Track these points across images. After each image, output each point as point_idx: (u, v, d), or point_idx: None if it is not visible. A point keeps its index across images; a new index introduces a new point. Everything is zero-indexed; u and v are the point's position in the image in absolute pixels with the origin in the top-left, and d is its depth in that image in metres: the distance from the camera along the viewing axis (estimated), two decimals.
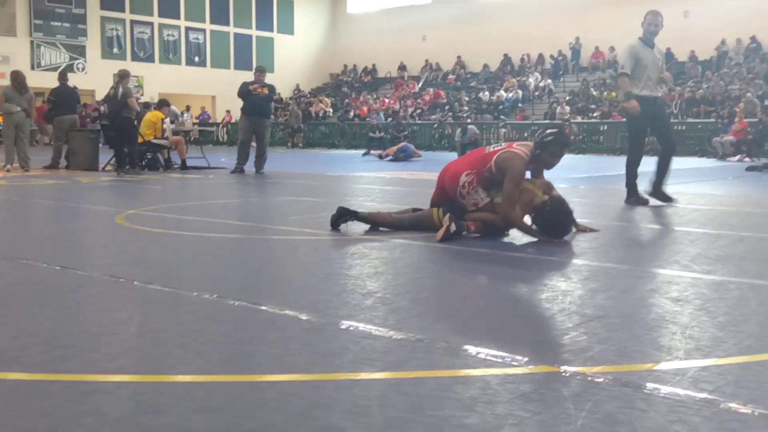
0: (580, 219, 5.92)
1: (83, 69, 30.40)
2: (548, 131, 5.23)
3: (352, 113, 31.64)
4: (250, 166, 12.42)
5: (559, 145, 5.19)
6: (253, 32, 36.27)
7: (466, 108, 28.77)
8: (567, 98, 27.53)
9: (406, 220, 5.39)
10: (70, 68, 27.43)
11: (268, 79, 13.13)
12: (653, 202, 7.41)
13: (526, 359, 2.44)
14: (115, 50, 31.80)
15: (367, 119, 28.82)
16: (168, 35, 33.47)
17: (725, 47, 26.83)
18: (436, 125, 27.01)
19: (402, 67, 35.25)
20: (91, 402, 2.07)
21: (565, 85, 29.59)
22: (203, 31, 34.59)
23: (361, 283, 3.68)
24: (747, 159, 18.05)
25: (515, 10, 31.45)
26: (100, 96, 28.92)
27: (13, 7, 28.93)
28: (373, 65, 36.72)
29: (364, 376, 2.30)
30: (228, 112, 31.38)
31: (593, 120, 25.01)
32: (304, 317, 2.96)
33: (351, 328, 2.81)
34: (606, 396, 2.11)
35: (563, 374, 2.30)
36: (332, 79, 38.02)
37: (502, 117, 26.93)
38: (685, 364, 2.41)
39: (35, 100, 13.09)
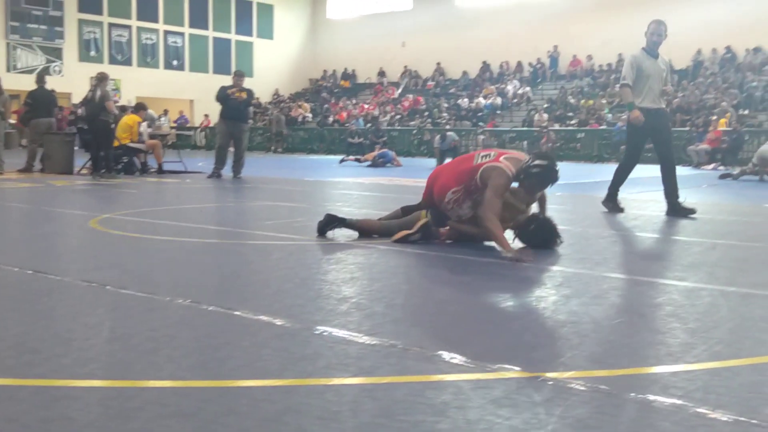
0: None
1: (60, 72, 30.13)
2: (537, 162, 4.83)
3: (331, 119, 31.63)
4: (227, 171, 12.37)
5: (541, 181, 4.90)
6: (233, 36, 36.16)
7: (445, 114, 28.87)
8: (545, 106, 27.73)
9: (394, 225, 5.32)
10: (46, 71, 27.15)
11: (247, 83, 13.09)
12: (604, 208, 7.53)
13: (498, 365, 2.44)
14: (93, 53, 31.56)
15: (347, 125, 28.83)
16: (146, 39, 33.27)
17: (701, 57, 27.17)
18: (415, 131, 27.08)
19: (381, 73, 35.31)
20: (60, 407, 2.04)
21: (543, 93, 29.79)
22: (182, 34, 34.42)
23: (337, 289, 3.68)
24: (721, 167, 18.27)
25: (494, 18, 31.64)
26: (76, 99, 28.70)
27: None
28: (353, 71, 36.75)
29: (336, 381, 2.29)
30: (206, 116, 31.23)
31: (571, 128, 25.20)
32: (278, 322, 2.95)
33: (325, 334, 2.81)
34: (577, 401, 2.12)
35: (535, 380, 2.31)
36: (311, 84, 38.00)
37: (480, 123, 27.05)
38: (656, 369, 2.44)
39: (11, 102, 12.95)
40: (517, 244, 4.87)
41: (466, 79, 32.48)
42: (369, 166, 18.24)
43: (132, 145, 12.90)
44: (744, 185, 12.55)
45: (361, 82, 36.33)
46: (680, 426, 1.97)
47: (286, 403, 2.09)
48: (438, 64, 33.58)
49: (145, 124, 13.60)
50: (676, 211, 7.13)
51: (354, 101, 33.48)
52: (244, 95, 12.26)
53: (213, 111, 16.81)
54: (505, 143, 25.04)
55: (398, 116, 30.38)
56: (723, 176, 14.16)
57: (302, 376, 2.33)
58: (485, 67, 32.25)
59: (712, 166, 18.83)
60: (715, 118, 20.88)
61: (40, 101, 13.14)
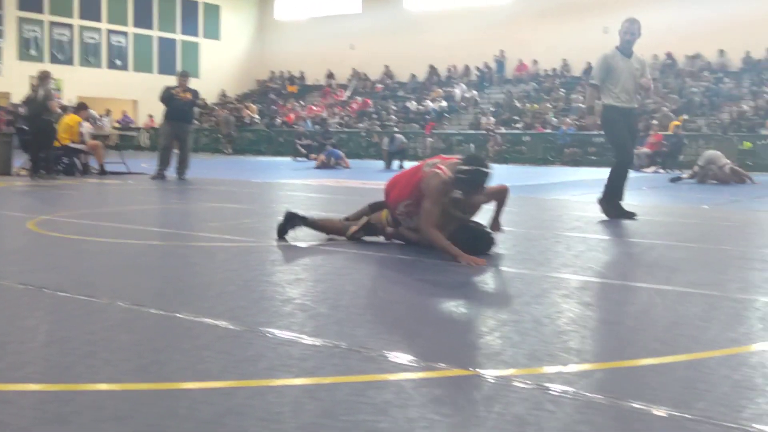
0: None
1: None
2: (464, 168, 4.64)
3: (279, 120, 31.44)
4: (172, 172, 12.19)
5: (471, 185, 4.68)
6: (178, 36, 35.65)
7: (393, 117, 28.96)
8: (492, 109, 28.05)
9: (349, 225, 5.32)
10: None
11: (194, 84, 12.92)
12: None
13: (440, 363, 2.46)
14: (33, 52, 30.76)
15: (295, 126, 28.70)
16: (89, 38, 32.56)
17: None
18: (363, 134, 27.09)
19: (330, 75, 35.24)
20: None
21: (490, 97, 30.13)
22: (125, 34, 33.80)
23: (281, 290, 3.66)
24: (661, 171, 18.73)
25: (442, 22, 31.88)
26: (16, 99, 27.92)
27: None
28: (301, 73, 36.60)
29: (278, 382, 2.28)
30: (150, 116, 30.72)
31: (516, 131, 25.54)
32: (220, 324, 2.92)
33: (268, 335, 2.79)
34: (516, 398, 2.15)
35: (476, 378, 2.33)
36: (259, 85, 37.70)
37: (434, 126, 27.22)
38: (593, 366, 2.49)
39: None
40: None
41: (414, 82, 32.64)
42: (317, 167, 18.15)
43: (73, 145, 12.61)
44: (683, 188, 12.90)
45: (310, 84, 36.21)
46: (617, 421, 2.01)
47: (226, 405, 2.07)
48: (386, 66, 33.67)
49: (86, 124, 13.30)
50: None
51: (302, 103, 33.35)
52: (189, 96, 12.11)
53: (157, 112, 16.56)
54: (453, 146, 25.25)
55: (347, 118, 30.36)
56: (673, 179, 14.52)
57: (244, 378, 2.32)
58: (433, 70, 32.47)
59: (652, 169, 19.29)
60: (656, 122, 21.38)
61: None
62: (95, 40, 32.79)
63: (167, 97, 12.03)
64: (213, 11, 36.88)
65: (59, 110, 12.37)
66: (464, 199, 4.81)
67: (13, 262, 4.51)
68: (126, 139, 25.51)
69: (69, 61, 31.78)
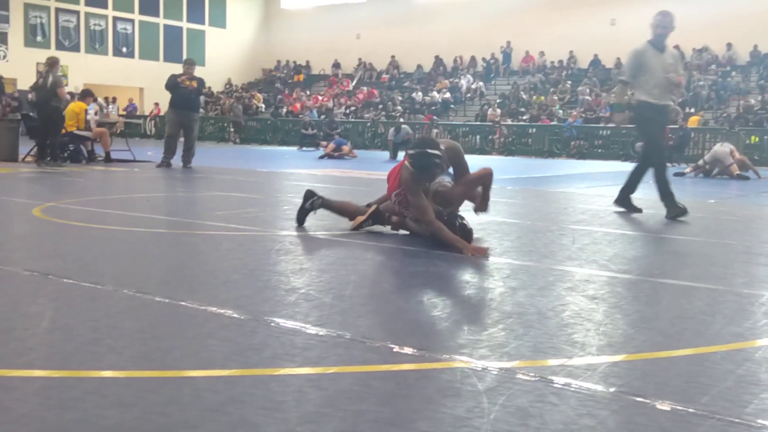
0: (505, 219, 6.03)
1: (4, 57, 29.32)
2: (410, 151, 4.57)
3: (284, 110, 31.41)
4: (177, 161, 12.20)
5: (420, 172, 4.57)
6: (184, 24, 35.62)
7: (399, 108, 28.91)
8: (498, 101, 27.98)
9: (359, 211, 5.33)
10: None
11: (199, 72, 12.92)
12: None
13: (444, 355, 2.46)
14: (39, 38, 30.77)
15: (300, 116, 28.67)
16: (95, 24, 32.56)
17: None
18: (369, 124, 27.06)
19: (336, 65, 35.18)
20: None
21: (496, 88, 30.06)
22: (132, 21, 33.78)
23: (285, 279, 3.66)
24: (668, 164, 18.66)
25: (449, 12, 31.77)
26: (21, 85, 27.96)
27: None
28: (307, 62, 36.54)
29: (282, 371, 2.28)
30: (156, 104, 30.73)
31: (522, 123, 25.48)
32: (224, 313, 2.93)
33: (272, 324, 2.79)
34: (519, 390, 2.15)
35: (479, 369, 2.33)
36: (265, 74, 37.66)
37: (434, 117, 27.15)
38: (597, 359, 2.48)
39: None
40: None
41: (420, 73, 32.57)
42: (321, 157, 18.12)
43: (79, 132, 12.63)
44: (689, 182, 12.86)
45: (316, 73, 36.15)
46: (619, 414, 2.01)
47: (229, 393, 2.07)
48: (392, 57, 33.60)
49: (92, 111, 13.31)
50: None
51: (308, 92, 33.31)
52: (194, 84, 12.10)
53: (163, 99, 16.56)
54: (458, 138, 25.22)
55: (353, 108, 30.31)
56: (676, 174, 14.47)
57: (247, 367, 2.32)
58: (439, 61, 32.38)
59: None
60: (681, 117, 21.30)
61: None
62: (101, 27, 32.78)
63: (173, 85, 12.03)
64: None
65: (68, 97, 12.36)
66: (444, 191, 4.77)
67: (19, 249, 4.52)
68: (132, 126, 25.55)
69: (75, 48, 31.80)
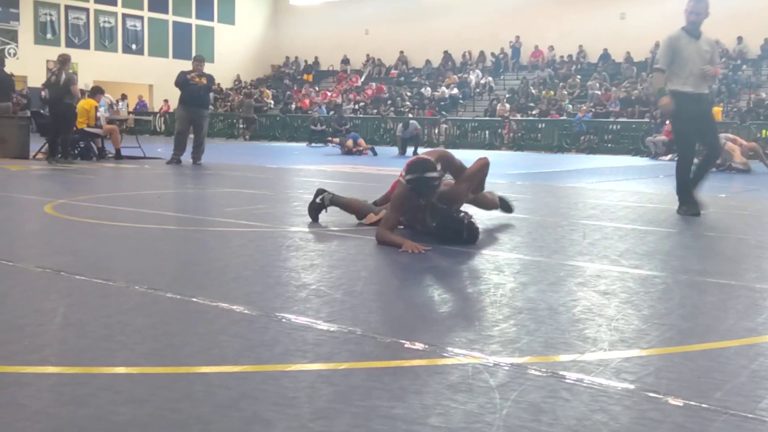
0: (515, 214, 6.02)
1: (15, 54, 29.42)
2: (408, 177, 4.62)
3: (293, 106, 31.42)
4: (187, 157, 12.23)
5: (417, 193, 4.69)
6: (193, 21, 35.66)
7: (408, 103, 28.87)
8: (507, 96, 27.90)
9: (370, 209, 5.38)
10: (1, 53, 26.50)
11: (208, 69, 12.94)
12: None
13: (456, 350, 2.46)
14: (49, 36, 30.88)
15: (309, 112, 28.67)
16: (104, 22, 32.64)
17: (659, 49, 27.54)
18: (378, 120, 27.04)
19: (345, 61, 35.16)
20: (9, 394, 2.01)
21: (505, 83, 29.97)
22: (141, 18, 33.84)
23: (296, 275, 3.66)
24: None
25: (457, 8, 31.68)
26: (32, 82, 28.08)
27: None
28: (316, 58, 36.53)
29: (293, 367, 2.29)
30: (166, 101, 30.79)
31: (532, 118, 25.40)
32: (236, 309, 2.93)
33: (283, 320, 2.80)
34: (531, 386, 2.15)
35: (491, 365, 2.33)
36: (274, 70, 37.68)
37: (443, 113, 27.13)
38: (609, 355, 2.48)
39: None
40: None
41: (429, 68, 32.51)
42: (342, 153, 18.37)
43: (89, 129, 12.67)
44: None
45: (324, 69, 36.14)
46: (632, 410, 2.00)
47: (242, 389, 2.08)
48: (401, 52, 33.55)
49: (103, 107, 13.36)
50: (687, 203, 6.57)
51: (317, 89, 33.31)
52: (204, 81, 12.12)
53: (173, 96, 16.59)
54: (467, 133, 25.17)
55: (361, 104, 30.29)
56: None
57: (259, 363, 2.32)
58: (448, 56, 32.31)
59: (669, 156, 19.14)
60: None
61: None
62: (111, 24, 32.86)
63: (182, 81, 12.06)
64: None
65: (80, 95, 12.41)
66: (448, 190, 4.81)
67: (31, 246, 4.54)
68: (141, 123, 25.61)
69: (85, 45, 31.89)
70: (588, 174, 13.08)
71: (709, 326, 2.91)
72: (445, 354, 2.43)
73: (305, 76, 35.83)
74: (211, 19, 36.32)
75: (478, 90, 29.82)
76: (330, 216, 5.64)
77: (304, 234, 5.06)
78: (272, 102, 32.77)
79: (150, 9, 34.05)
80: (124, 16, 33.26)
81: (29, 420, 1.85)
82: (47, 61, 28.77)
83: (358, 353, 2.44)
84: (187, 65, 13.62)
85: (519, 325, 2.82)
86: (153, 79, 33.14)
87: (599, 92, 25.85)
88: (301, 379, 2.20)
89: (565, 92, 26.89)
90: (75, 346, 2.48)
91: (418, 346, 2.50)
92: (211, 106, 14.02)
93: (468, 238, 4.67)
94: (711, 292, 3.51)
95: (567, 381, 2.20)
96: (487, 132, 24.96)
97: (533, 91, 27.71)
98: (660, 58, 6.68)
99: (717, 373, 2.31)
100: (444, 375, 2.24)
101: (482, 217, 5.87)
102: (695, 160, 6.83)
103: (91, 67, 31.02)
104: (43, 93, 12.07)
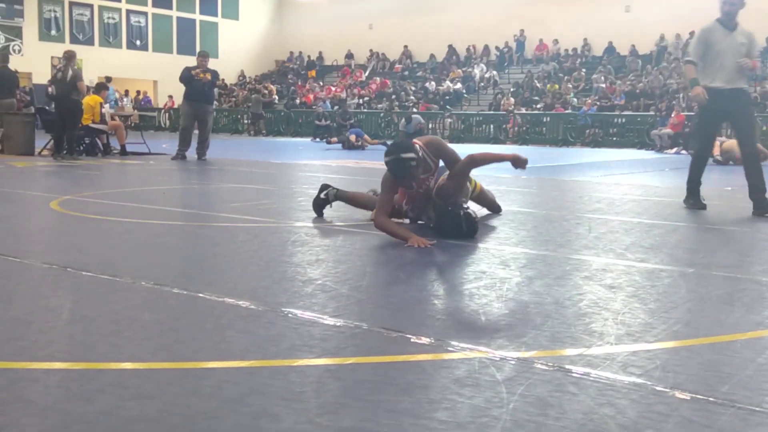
0: (520, 208, 6.01)
1: (19, 51, 29.46)
2: (385, 159, 4.66)
3: (298, 101, 31.40)
4: (192, 153, 12.24)
5: (394, 176, 4.70)
6: (197, 17, 35.65)
7: (412, 97, 28.83)
8: (511, 90, 27.83)
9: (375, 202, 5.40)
10: (6, 50, 26.51)
11: (212, 64, 12.93)
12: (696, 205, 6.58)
13: (462, 345, 2.46)
14: (53, 32, 30.90)
15: (313, 107, 28.65)
16: (108, 18, 32.66)
17: (664, 42, 27.48)
18: (382, 114, 27.02)
19: (349, 55, 35.12)
20: (18, 390, 2.02)
21: (509, 77, 29.90)
22: (145, 14, 33.85)
23: (302, 271, 3.67)
24: (684, 152, 18.53)
25: (461, 1, 31.61)
26: (36, 79, 28.11)
27: None
28: (320, 53, 36.49)
29: (300, 362, 2.29)
30: (170, 97, 30.82)
31: (537, 111, 25.35)
32: (242, 304, 2.94)
33: (290, 315, 2.80)
34: (538, 380, 2.15)
35: (497, 359, 2.33)
36: (278, 66, 37.65)
37: (448, 107, 27.09)
38: (616, 349, 2.47)
39: None
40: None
41: (433, 63, 32.45)
42: (342, 147, 18.33)
43: (94, 125, 12.69)
44: (706, 169, 12.74)
45: (328, 64, 36.11)
46: (639, 404, 2.00)
47: (249, 385, 2.08)
48: (405, 47, 33.50)
49: (108, 104, 13.38)
50: (762, 208, 6.26)
51: (321, 83, 33.28)
52: (208, 76, 12.12)
53: (177, 92, 16.61)
54: (472, 127, 25.13)
55: (366, 99, 30.26)
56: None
57: (266, 358, 2.33)
58: (452, 50, 32.25)
59: (674, 150, 19.10)
60: (677, 102, 21.14)
61: (3, 81, 12.82)
62: (115, 20, 32.87)
63: (187, 77, 12.06)
64: None
65: (85, 91, 12.43)
66: (443, 185, 4.81)
67: (37, 242, 4.56)
68: (146, 119, 25.64)
69: (89, 42, 31.91)
70: (593, 168, 13.06)
71: (715, 319, 2.90)
72: (451, 348, 2.43)
73: (309, 73, 35.80)
74: (215, 15, 36.30)
75: (482, 84, 29.76)
76: (335, 211, 5.64)
77: (309, 229, 5.06)
78: (276, 97, 32.76)
79: (154, 5, 34.04)
80: (128, 12, 33.26)
81: (37, 416, 1.86)
82: (52, 57, 28.83)
83: (365, 348, 2.45)
84: (191, 61, 13.62)
85: (525, 319, 2.82)
86: (157, 74, 33.16)
87: (604, 85, 25.77)
88: (308, 374, 2.21)
89: (570, 86, 26.82)
90: (82, 342, 2.49)
91: (425, 340, 2.51)
92: (216, 102, 14.00)
93: (467, 230, 4.68)
94: (717, 286, 3.51)
95: (574, 375, 2.20)
96: (491, 126, 24.91)
97: (538, 84, 27.64)
98: (691, 51, 6.52)
99: (724, 367, 2.31)
100: (450, 369, 2.24)
101: (483, 212, 5.86)
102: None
103: (96, 63, 31.00)
104: (49, 89, 12.07)
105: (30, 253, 3.97)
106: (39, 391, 2.02)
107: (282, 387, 2.07)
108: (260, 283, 3.37)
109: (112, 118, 13.38)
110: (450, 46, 32.18)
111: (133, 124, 17.12)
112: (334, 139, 19.68)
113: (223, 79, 30.26)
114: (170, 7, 34.67)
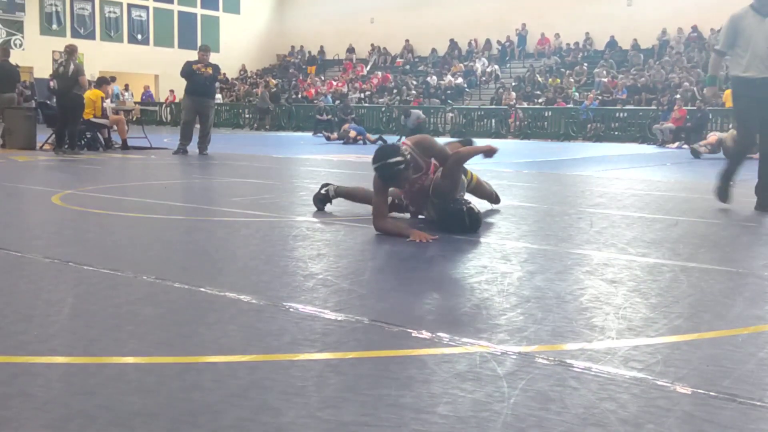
0: (521, 203, 6.01)
1: (21, 45, 29.45)
2: (373, 165, 4.70)
3: (299, 95, 31.37)
4: (193, 147, 12.24)
5: (385, 181, 4.73)
6: (198, 11, 35.61)
7: (413, 92, 28.80)
8: (513, 84, 27.79)
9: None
10: (7, 44, 26.51)
11: (213, 59, 12.92)
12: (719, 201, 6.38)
13: (463, 339, 2.46)
14: (55, 26, 30.89)
15: (315, 102, 28.62)
16: (109, 12, 32.63)
17: (666, 36, 27.43)
18: (383, 108, 26.99)
19: (350, 50, 35.06)
20: (19, 384, 2.02)
21: (511, 71, 29.86)
22: (146, 8, 33.82)
23: (303, 265, 3.67)
24: (685, 146, 18.51)
25: None
26: (38, 73, 28.11)
27: None
28: (321, 47, 36.44)
29: (301, 356, 2.29)
30: (171, 91, 30.80)
31: (538, 106, 25.31)
32: (243, 299, 2.94)
33: (291, 310, 2.80)
34: (539, 374, 2.15)
35: (499, 354, 2.33)
36: (279, 60, 37.61)
37: (449, 102, 27.06)
38: (617, 343, 2.47)
39: None
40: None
41: (434, 57, 32.40)
42: (344, 143, 18.21)
43: (95, 120, 12.69)
44: (707, 163, 12.73)
45: (330, 58, 36.06)
46: (640, 398, 2.00)
47: (250, 379, 2.08)
48: (407, 41, 33.44)
49: (108, 99, 13.38)
50: (724, 189, 6.25)
51: (322, 78, 33.24)
52: (209, 71, 12.12)
53: (178, 86, 16.61)
54: (474, 121, 25.11)
55: (367, 93, 30.23)
56: (694, 153, 14.32)
57: (267, 352, 2.33)
58: (453, 44, 32.19)
59: (676, 144, 19.07)
60: (679, 97, 21.10)
61: (4, 76, 12.82)
62: (116, 14, 32.84)
63: (188, 72, 12.05)
64: None
65: (87, 86, 12.43)
66: (438, 184, 4.81)
67: (39, 236, 4.56)
68: (147, 114, 25.64)
69: (90, 36, 31.90)
70: (595, 162, 13.04)
71: (717, 314, 2.90)
72: (452, 343, 2.43)
73: (309, 69, 35.74)
74: (217, 9, 36.26)
75: (484, 78, 29.72)
76: (336, 206, 5.64)
77: (310, 224, 5.06)
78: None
79: None
80: (129, 6, 33.23)
81: (39, 410, 1.86)
82: (53, 51, 28.82)
83: (366, 342, 2.45)
84: (192, 55, 13.63)
85: (526, 313, 2.82)
86: (159, 69, 33.14)
87: (606, 80, 25.73)
88: (309, 368, 2.21)
89: (572, 80, 26.78)
90: (84, 336, 2.49)
91: (426, 335, 2.51)
92: (218, 96, 14.00)
93: (471, 224, 4.68)
94: (719, 280, 3.50)
95: (575, 369, 2.20)
96: (493, 120, 24.89)
97: (539, 79, 27.60)
98: (721, 39, 6.22)
99: (725, 361, 2.31)
100: (452, 364, 2.24)
101: (488, 206, 5.86)
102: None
103: (97, 57, 31.01)
104: (51, 83, 12.07)
105: (31, 248, 3.98)
106: (40, 385, 2.02)
107: (283, 381, 2.08)
108: (261, 278, 3.37)
109: (114, 113, 13.37)
110: (451, 41, 32.13)
111: (134, 119, 17.11)
112: (334, 134, 19.63)
113: (224, 74, 30.22)
114: (171, 2, 34.64)
